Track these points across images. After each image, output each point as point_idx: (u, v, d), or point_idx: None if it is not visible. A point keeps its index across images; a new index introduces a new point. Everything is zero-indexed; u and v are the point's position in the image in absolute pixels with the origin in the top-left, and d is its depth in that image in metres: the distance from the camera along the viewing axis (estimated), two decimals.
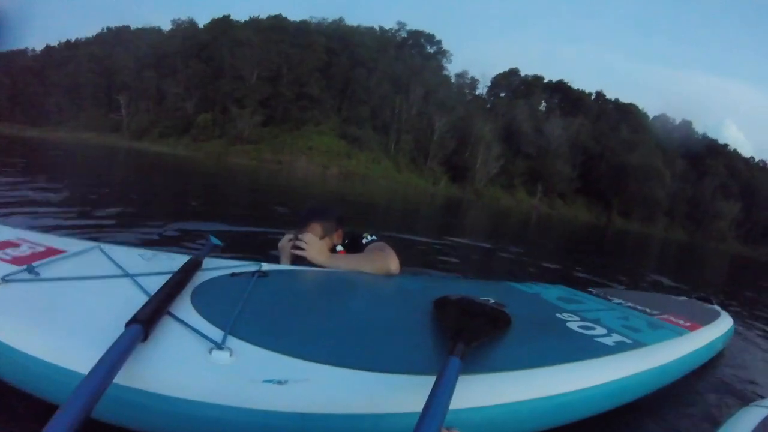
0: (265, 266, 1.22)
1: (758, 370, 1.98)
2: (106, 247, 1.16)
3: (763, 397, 1.15)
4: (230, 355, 0.71)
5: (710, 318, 1.85)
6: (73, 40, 48.15)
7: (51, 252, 1.05)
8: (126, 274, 0.98)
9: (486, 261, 4.76)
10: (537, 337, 1.10)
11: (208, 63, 40.85)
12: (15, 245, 1.06)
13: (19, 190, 4.00)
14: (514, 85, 43.27)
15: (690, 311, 1.91)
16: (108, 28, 48.63)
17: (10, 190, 4.02)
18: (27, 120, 36.41)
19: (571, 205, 38.50)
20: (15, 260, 0.96)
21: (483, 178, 35.51)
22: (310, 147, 34.67)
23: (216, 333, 0.78)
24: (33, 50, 45.50)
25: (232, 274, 1.11)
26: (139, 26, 47.24)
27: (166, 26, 46.69)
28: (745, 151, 72.32)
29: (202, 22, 44.90)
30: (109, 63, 43.65)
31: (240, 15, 51.98)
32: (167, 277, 0.93)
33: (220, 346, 0.72)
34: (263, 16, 43.72)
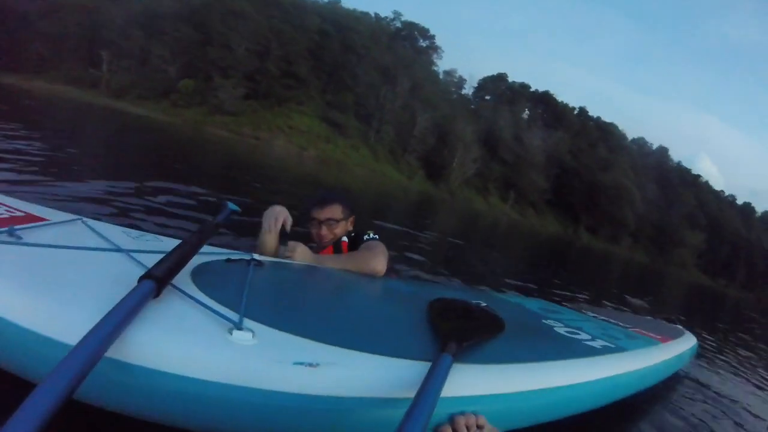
0: (257, 257, 1.16)
1: (718, 384, 2.27)
2: (89, 220, 1.07)
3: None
4: (252, 336, 0.66)
5: (677, 334, 1.96)
6: None
7: (31, 218, 0.96)
8: (118, 249, 0.90)
9: (452, 262, 4.66)
10: (529, 338, 1.13)
11: (198, 29, 39.87)
12: None
13: None
14: (500, 90, 43.56)
15: (658, 328, 2.03)
16: None
17: None
18: (4, 65, 34.91)
19: (541, 215, 39.07)
20: None
21: (458, 178, 35.67)
22: (290, 126, 34.34)
23: (230, 314, 0.71)
24: None
25: (228, 260, 1.05)
26: None
27: None
28: (717, 184, 74.93)
29: None
30: (97, 17, 42.16)
31: None
32: (161, 256, 0.81)
33: (239, 326, 0.67)
34: None
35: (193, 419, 0.62)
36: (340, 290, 1.19)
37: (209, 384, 0.59)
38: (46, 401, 0.41)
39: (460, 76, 42.97)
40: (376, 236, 1.48)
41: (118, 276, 0.74)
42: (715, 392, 2.11)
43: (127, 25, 39.89)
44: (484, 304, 1.24)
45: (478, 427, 0.68)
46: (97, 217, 1.19)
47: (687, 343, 1.89)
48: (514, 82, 45.02)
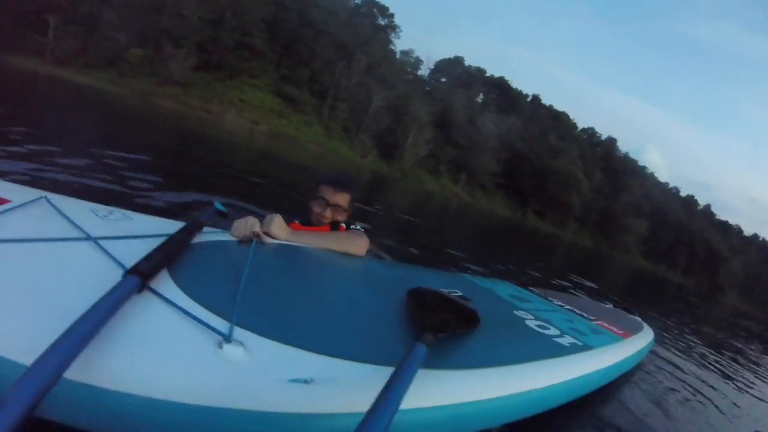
0: (227, 234, 1.09)
1: (671, 376, 2.37)
2: (54, 197, 0.98)
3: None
4: (244, 350, 0.60)
5: (637, 328, 2.03)
6: None
7: None
8: (87, 237, 0.81)
9: (407, 238, 4.64)
10: (503, 335, 1.13)
11: None
12: None
13: None
14: (456, 73, 43.97)
15: (619, 320, 2.09)
16: None
17: None
18: None
19: (491, 198, 40.01)
20: None
21: (411, 158, 35.93)
22: (242, 100, 33.53)
23: (218, 323, 0.65)
24: None
25: (215, 246, 0.96)
26: None
27: None
28: (662, 176, 78.77)
29: None
30: None
31: None
32: (137, 242, 0.77)
33: (229, 339, 0.61)
34: None
35: None
36: (329, 282, 1.14)
37: (201, 410, 0.52)
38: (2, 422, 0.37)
39: (417, 57, 43.04)
40: (360, 228, 1.53)
41: (90, 273, 0.68)
42: (666, 373, 2.33)
43: None
44: (460, 293, 1.28)
45: None
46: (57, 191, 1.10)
47: (646, 338, 1.98)
48: (470, 65, 45.56)
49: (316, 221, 1.49)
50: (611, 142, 49.84)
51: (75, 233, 0.83)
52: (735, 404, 2.30)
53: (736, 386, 2.76)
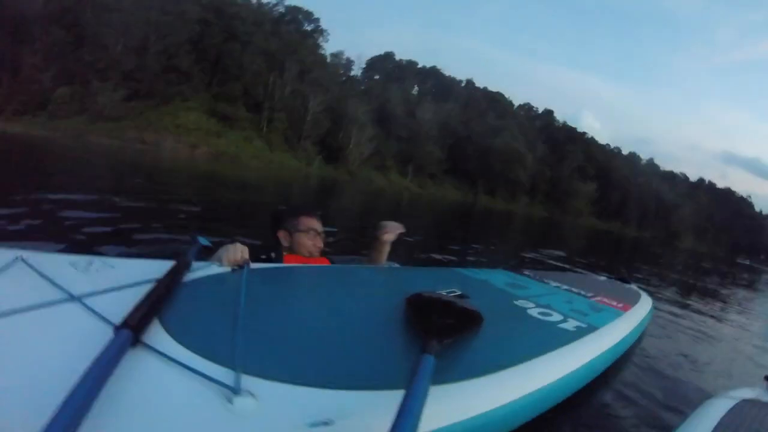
0: (215, 267, 1.06)
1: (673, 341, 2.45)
2: (30, 256, 0.92)
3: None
4: (255, 400, 0.56)
5: (635, 299, 2.01)
6: None
7: None
8: (70, 297, 0.77)
9: (364, 245, 4.78)
10: (508, 332, 1.11)
11: (70, 29, 36.91)
12: None
13: None
14: (388, 69, 44.63)
15: (616, 292, 2.05)
16: None
17: None
18: None
19: (441, 185, 41.08)
20: None
21: (357, 159, 36.40)
22: (178, 125, 33.10)
23: (221, 373, 0.61)
24: None
25: (204, 284, 0.94)
26: None
27: None
28: (602, 138, 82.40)
29: None
30: None
31: None
32: (121, 293, 0.76)
33: (237, 391, 0.56)
34: None
35: None
36: (327, 301, 1.13)
37: None
38: None
39: (348, 58, 43.43)
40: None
41: (78, 340, 0.64)
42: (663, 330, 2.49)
43: None
44: (458, 291, 1.27)
45: None
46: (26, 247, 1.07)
47: (645, 307, 1.95)
48: (401, 59, 46.24)
49: (307, 253, 1.47)
50: (548, 113, 51.85)
51: (58, 294, 0.79)
52: (734, 345, 2.46)
53: (728, 324, 3.05)
